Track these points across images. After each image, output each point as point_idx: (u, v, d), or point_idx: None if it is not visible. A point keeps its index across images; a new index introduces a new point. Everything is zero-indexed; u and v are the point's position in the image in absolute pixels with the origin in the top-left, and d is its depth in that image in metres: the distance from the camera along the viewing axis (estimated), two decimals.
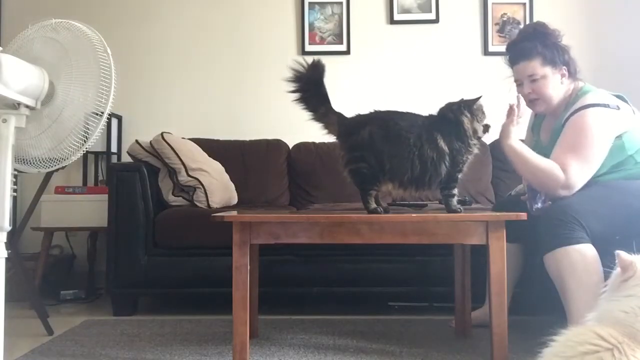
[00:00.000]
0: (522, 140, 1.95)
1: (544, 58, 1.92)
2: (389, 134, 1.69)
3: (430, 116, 1.76)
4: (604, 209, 1.74)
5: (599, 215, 1.72)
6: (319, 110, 1.76)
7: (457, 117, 1.72)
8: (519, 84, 1.99)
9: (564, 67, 1.94)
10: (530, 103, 2.00)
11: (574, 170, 1.78)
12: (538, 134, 2.09)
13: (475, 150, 1.75)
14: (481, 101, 1.76)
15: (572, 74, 1.96)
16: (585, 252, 1.65)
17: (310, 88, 1.75)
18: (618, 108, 1.85)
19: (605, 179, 1.84)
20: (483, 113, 1.75)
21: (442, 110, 1.76)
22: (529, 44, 1.94)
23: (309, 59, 1.76)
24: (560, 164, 1.79)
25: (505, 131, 1.91)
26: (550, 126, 2.00)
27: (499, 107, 3.49)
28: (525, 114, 2.03)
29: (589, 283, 1.60)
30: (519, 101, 1.93)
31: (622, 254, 1.13)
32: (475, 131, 1.72)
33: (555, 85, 1.94)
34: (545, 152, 1.92)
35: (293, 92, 1.75)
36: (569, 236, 1.66)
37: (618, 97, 1.90)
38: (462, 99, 1.76)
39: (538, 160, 1.83)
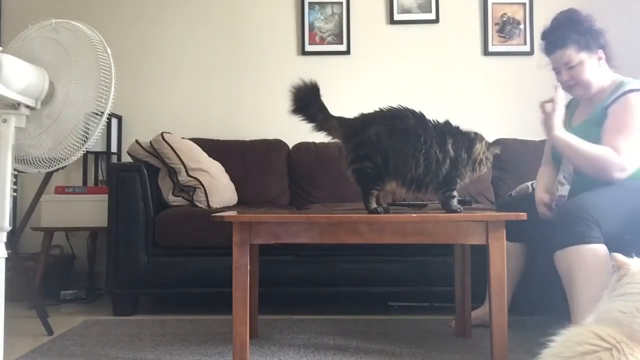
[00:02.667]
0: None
1: (578, 45, 1.92)
2: (397, 132, 1.70)
3: (447, 122, 1.78)
4: (620, 209, 1.74)
5: (615, 215, 1.72)
6: (318, 118, 1.77)
7: (475, 139, 1.77)
8: (557, 72, 2.00)
9: (600, 50, 1.95)
10: (569, 89, 2.00)
11: (627, 152, 1.77)
12: (569, 121, 2.08)
13: (467, 180, 1.78)
14: (498, 151, 1.83)
15: (609, 58, 1.97)
16: (598, 253, 1.64)
17: (306, 102, 1.76)
18: None
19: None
20: (490, 160, 1.80)
21: (467, 131, 1.79)
22: (562, 33, 1.95)
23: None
24: (613, 147, 1.78)
25: (549, 124, 1.88)
26: (586, 112, 2.00)
27: (499, 106, 3.50)
28: (563, 100, 2.02)
29: (598, 284, 1.59)
30: (557, 92, 1.90)
31: (617, 255, 1.14)
32: (478, 164, 1.76)
33: (593, 69, 1.94)
34: (575, 133, 1.91)
35: (292, 109, 1.76)
36: (585, 235, 1.65)
37: None
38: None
39: (591, 147, 1.82)
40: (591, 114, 1.96)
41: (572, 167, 1.85)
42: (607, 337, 1.00)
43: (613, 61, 1.99)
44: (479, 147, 1.76)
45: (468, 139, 1.76)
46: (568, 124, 2.08)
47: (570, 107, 2.13)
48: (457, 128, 1.78)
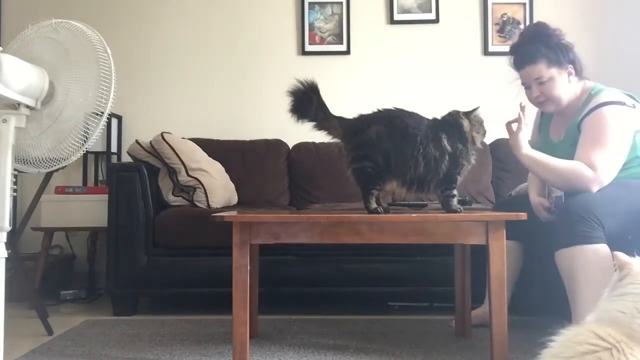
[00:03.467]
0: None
1: (548, 60, 1.90)
2: (396, 132, 1.70)
3: (435, 119, 1.79)
4: (622, 209, 1.73)
5: (616, 214, 1.71)
6: (319, 117, 1.77)
7: (457, 119, 1.75)
8: (527, 87, 1.98)
9: (570, 65, 1.93)
10: (540, 105, 2.00)
11: (603, 164, 1.76)
12: (546, 133, 2.08)
13: (473, 161, 1.77)
14: (479, 112, 1.78)
15: (579, 72, 1.95)
16: (601, 253, 1.64)
17: (306, 101, 1.76)
18: (634, 107, 1.85)
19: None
20: (481, 125, 1.78)
21: (445, 116, 1.79)
22: (532, 47, 1.92)
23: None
24: (587, 162, 1.77)
25: (515, 142, 1.88)
26: (562, 125, 1.99)
27: (499, 107, 3.50)
28: (531, 115, 2.02)
29: (600, 284, 1.57)
30: (523, 110, 1.90)
31: (619, 254, 1.14)
32: (474, 139, 1.75)
33: (563, 85, 1.93)
34: (557, 150, 1.92)
35: (291, 109, 1.76)
36: (589, 235, 1.65)
37: (629, 96, 1.90)
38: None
39: (562, 163, 1.81)
40: (567, 131, 1.95)
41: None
42: (607, 337, 1.00)
43: (582, 74, 1.96)
44: (465, 124, 1.74)
45: (455, 126, 1.74)
46: (545, 136, 2.08)
47: (544, 117, 2.11)
48: (444, 120, 1.77)
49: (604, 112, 1.82)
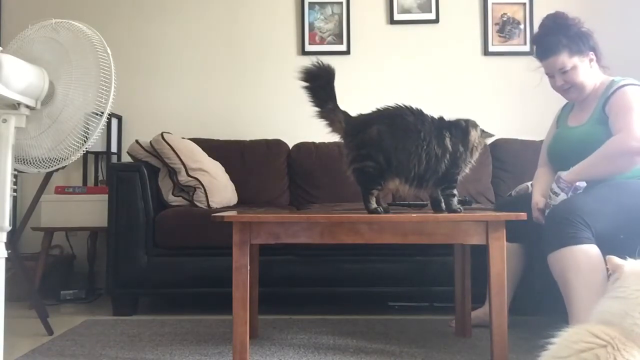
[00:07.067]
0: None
1: (570, 50, 1.96)
2: (398, 130, 1.70)
3: (442, 118, 1.79)
4: (609, 209, 1.74)
5: (605, 214, 1.72)
6: (327, 105, 1.75)
7: (467, 126, 1.77)
8: (551, 76, 2.03)
9: (591, 52, 1.98)
10: (564, 92, 2.04)
11: (637, 126, 1.78)
12: (564, 122, 2.11)
13: (467, 170, 1.78)
14: (490, 139, 1.85)
15: (599, 58, 2.00)
16: (590, 253, 1.64)
17: (321, 83, 1.75)
18: None
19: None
20: (482, 146, 1.82)
21: (458, 119, 1.80)
22: (553, 39, 1.97)
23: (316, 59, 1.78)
24: (625, 127, 1.78)
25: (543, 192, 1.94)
26: (584, 111, 2.02)
27: (499, 106, 3.51)
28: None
29: (593, 283, 1.60)
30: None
31: (612, 259, 1.19)
32: (473, 150, 1.77)
33: (586, 72, 1.98)
34: (576, 131, 1.97)
35: (305, 84, 1.76)
36: (575, 236, 1.66)
37: None
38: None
39: (599, 152, 1.81)
40: (590, 115, 1.98)
41: (582, 184, 1.84)
42: (602, 335, 1.04)
43: (602, 60, 2.02)
44: (473, 134, 1.77)
45: (461, 130, 1.76)
46: (563, 125, 2.10)
47: (564, 110, 2.17)
48: (451, 121, 1.79)
49: (627, 90, 1.88)
